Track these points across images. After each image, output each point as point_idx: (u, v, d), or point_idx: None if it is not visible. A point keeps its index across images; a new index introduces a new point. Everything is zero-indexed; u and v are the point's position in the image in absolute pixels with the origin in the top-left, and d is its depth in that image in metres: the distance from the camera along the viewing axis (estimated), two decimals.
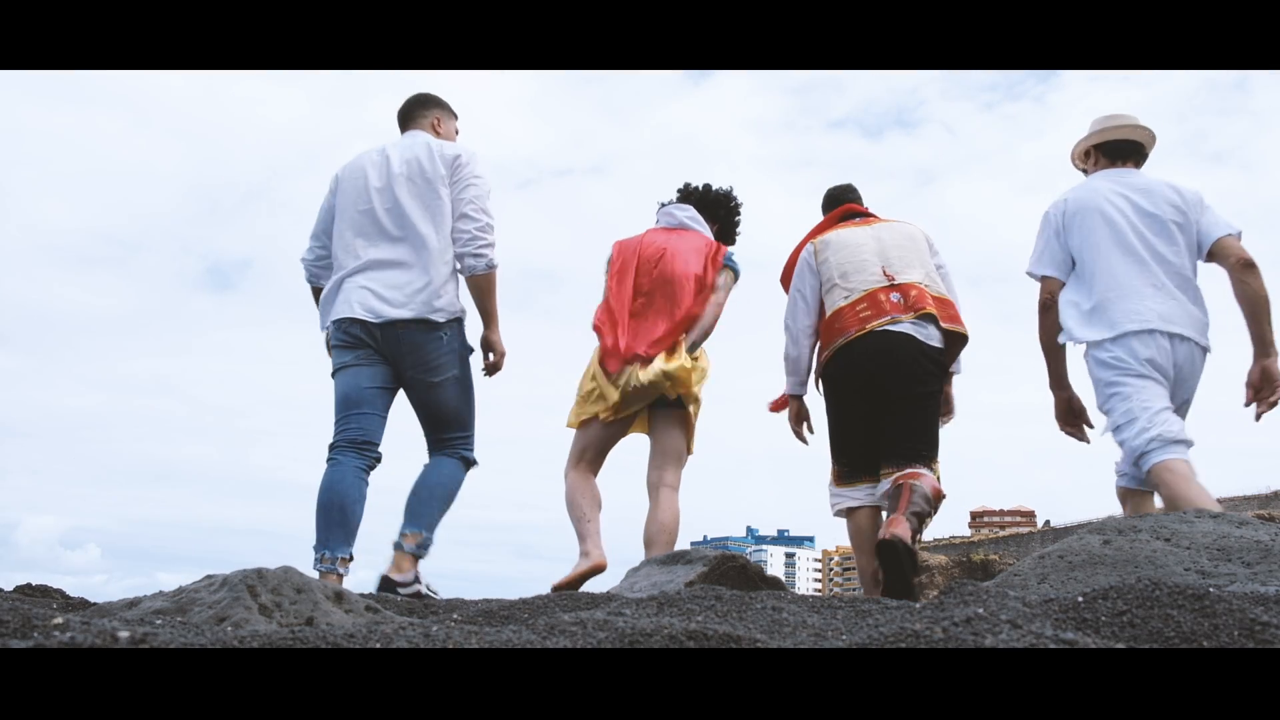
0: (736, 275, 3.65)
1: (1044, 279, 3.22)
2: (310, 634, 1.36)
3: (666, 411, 3.63)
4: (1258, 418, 3.12)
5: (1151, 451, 2.94)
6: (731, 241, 3.91)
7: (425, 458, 3.30)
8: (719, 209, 3.85)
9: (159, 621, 1.75)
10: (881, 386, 3.21)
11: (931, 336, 3.25)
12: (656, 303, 3.49)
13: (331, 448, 3.09)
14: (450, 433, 3.23)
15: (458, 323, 3.18)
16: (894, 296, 3.22)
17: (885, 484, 3.25)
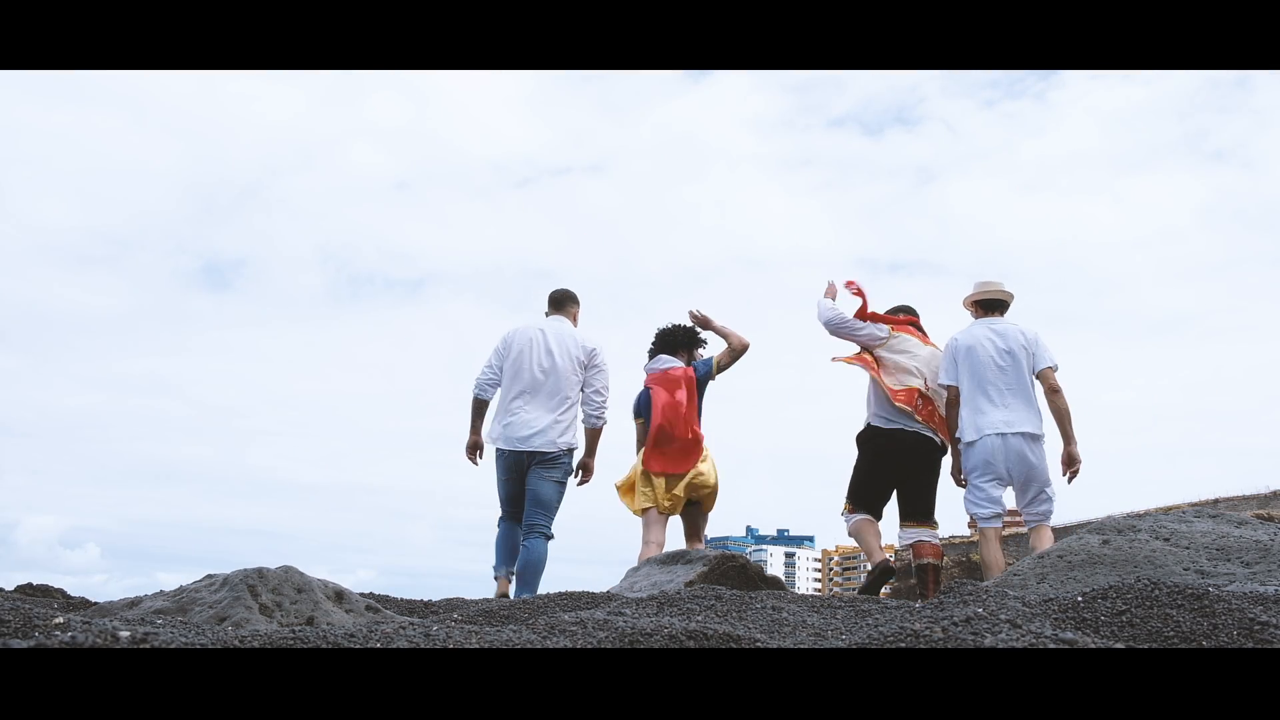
0: (708, 365, 5.35)
1: (948, 387, 4.90)
2: (310, 634, 1.36)
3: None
4: (1069, 482, 4.84)
5: (980, 519, 4.85)
6: (700, 347, 5.54)
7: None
8: (682, 341, 5.47)
9: (160, 621, 1.75)
10: (913, 471, 4.87)
11: (937, 435, 4.93)
12: (677, 433, 5.21)
13: (500, 519, 4.95)
14: (540, 511, 4.79)
15: (571, 452, 4.90)
16: (921, 403, 4.87)
17: (909, 535, 4.89)
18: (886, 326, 5.02)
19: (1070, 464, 4.74)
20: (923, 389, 4.87)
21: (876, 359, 4.97)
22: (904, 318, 5.16)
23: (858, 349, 5.09)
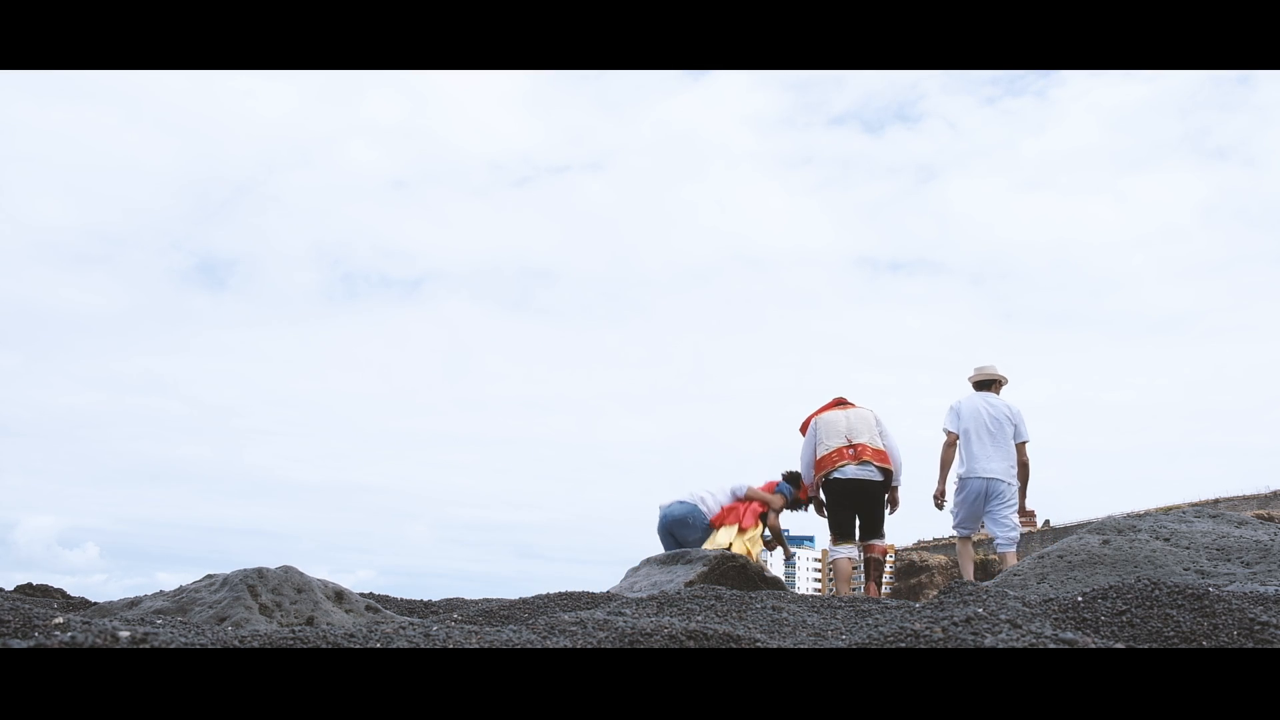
0: (784, 495, 7.22)
1: (949, 433, 6.84)
2: (310, 634, 1.36)
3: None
4: (1024, 527, 6.65)
5: (959, 535, 6.83)
6: (795, 486, 7.40)
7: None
8: (788, 477, 7.44)
9: (160, 621, 1.75)
10: (861, 505, 6.66)
11: (875, 474, 6.64)
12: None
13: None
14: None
15: (708, 529, 6.94)
16: (849, 451, 6.62)
17: (859, 548, 6.75)
18: (810, 430, 6.86)
19: (1023, 514, 6.69)
20: (846, 442, 6.64)
21: (815, 445, 6.78)
22: (828, 404, 6.96)
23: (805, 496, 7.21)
